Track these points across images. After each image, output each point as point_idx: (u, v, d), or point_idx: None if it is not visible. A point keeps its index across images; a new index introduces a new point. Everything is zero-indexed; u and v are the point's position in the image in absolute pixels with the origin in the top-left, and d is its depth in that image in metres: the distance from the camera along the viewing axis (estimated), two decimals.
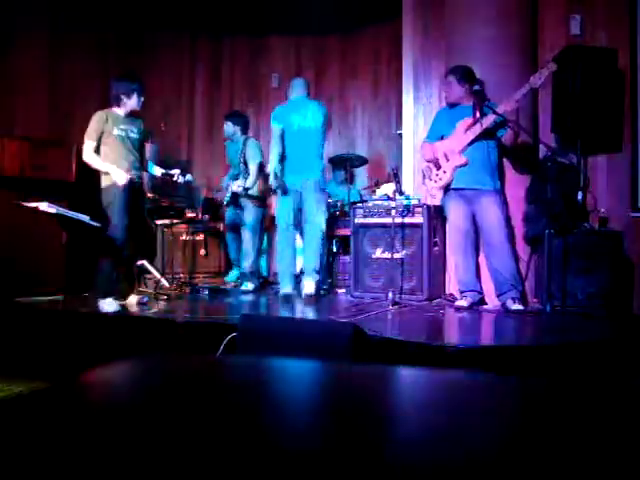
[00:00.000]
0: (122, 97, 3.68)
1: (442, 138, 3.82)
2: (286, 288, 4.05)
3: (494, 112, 3.47)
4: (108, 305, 3.44)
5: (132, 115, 3.76)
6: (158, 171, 4.14)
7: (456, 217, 3.76)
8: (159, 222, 5.22)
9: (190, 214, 5.37)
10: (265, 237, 5.27)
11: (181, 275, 5.11)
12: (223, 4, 6.22)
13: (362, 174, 6.41)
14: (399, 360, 2.44)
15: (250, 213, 4.78)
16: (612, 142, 3.87)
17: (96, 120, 3.61)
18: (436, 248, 4.10)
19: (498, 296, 3.65)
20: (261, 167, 4.77)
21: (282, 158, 4.15)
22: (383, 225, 4.13)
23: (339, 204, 5.05)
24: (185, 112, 6.83)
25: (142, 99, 3.76)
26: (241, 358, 1.64)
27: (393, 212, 3.97)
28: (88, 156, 3.61)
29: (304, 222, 4.16)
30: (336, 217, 4.94)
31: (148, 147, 4.57)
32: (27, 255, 4.19)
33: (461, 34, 4.02)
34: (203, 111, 6.90)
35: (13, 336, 3.35)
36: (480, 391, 0.93)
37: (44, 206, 3.27)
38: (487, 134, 3.60)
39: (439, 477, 0.55)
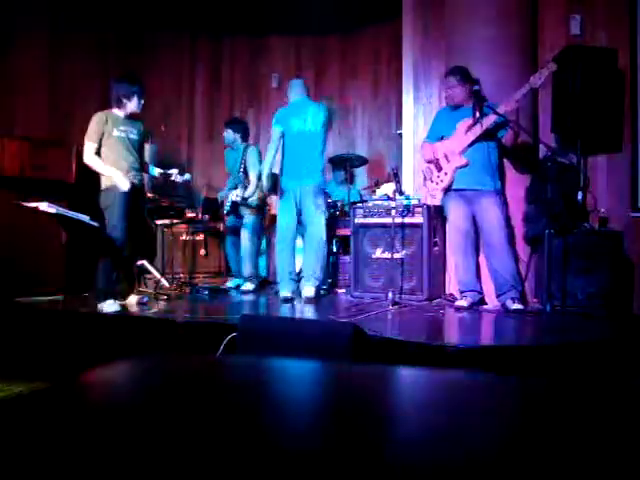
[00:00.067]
0: (122, 99, 3.68)
1: (442, 138, 3.82)
2: (285, 292, 4.03)
3: (494, 112, 3.47)
4: (108, 305, 3.44)
5: (132, 116, 3.76)
6: (156, 171, 4.15)
7: (456, 217, 3.76)
8: (159, 222, 5.22)
9: (190, 214, 5.37)
10: (264, 237, 5.27)
11: (181, 275, 5.11)
12: (223, 4, 6.22)
13: (362, 174, 6.42)
14: (399, 360, 2.44)
15: (249, 218, 4.80)
16: (612, 142, 3.87)
17: (96, 122, 3.60)
18: (436, 248, 4.10)
19: (498, 296, 3.65)
20: (260, 176, 4.77)
21: (281, 160, 4.15)
22: (383, 225, 4.13)
23: (339, 204, 5.05)
24: (185, 112, 6.84)
25: (142, 101, 3.76)
26: (241, 358, 1.64)
27: (393, 212, 3.97)
28: (90, 159, 3.60)
29: (304, 225, 4.16)
30: (336, 217, 4.93)
31: (147, 147, 4.57)
32: (27, 255, 4.19)
33: (461, 34, 4.02)
34: (203, 111, 6.90)
35: (13, 336, 3.35)
36: (480, 391, 0.93)
37: (44, 206, 3.27)
38: (487, 135, 3.59)
39: (439, 477, 0.55)
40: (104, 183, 3.60)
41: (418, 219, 4.03)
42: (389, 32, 6.09)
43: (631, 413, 0.80)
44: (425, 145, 3.94)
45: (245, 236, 4.79)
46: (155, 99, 6.10)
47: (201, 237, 5.38)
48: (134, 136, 3.73)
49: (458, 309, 3.63)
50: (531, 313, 3.48)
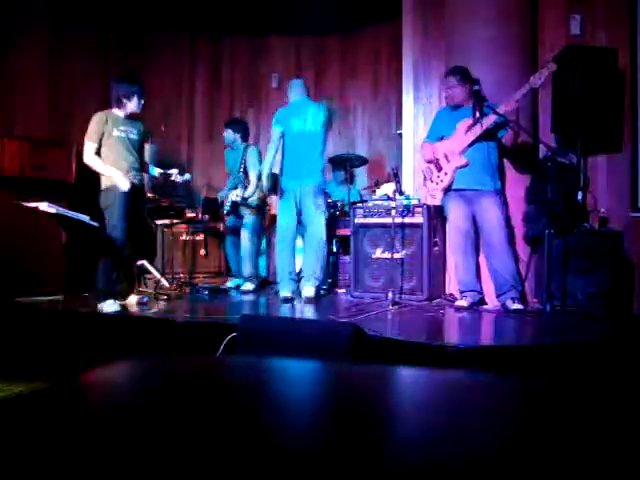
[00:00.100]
0: (122, 99, 3.68)
1: (442, 138, 3.82)
2: (285, 291, 4.03)
3: (494, 112, 3.47)
4: (108, 305, 3.44)
5: (132, 116, 3.76)
6: (156, 171, 4.15)
7: (456, 217, 3.76)
8: (159, 222, 5.22)
9: (190, 214, 5.37)
10: (264, 238, 5.27)
11: (181, 275, 5.11)
12: (223, 4, 6.22)
13: (362, 174, 6.42)
14: (399, 360, 2.44)
15: (249, 218, 4.80)
16: (612, 142, 3.87)
17: (96, 122, 3.60)
18: (436, 248, 4.10)
19: (498, 296, 3.65)
20: (260, 176, 4.77)
21: (281, 160, 4.15)
22: (383, 225, 4.13)
23: (339, 204, 5.05)
24: (185, 112, 6.84)
25: (142, 101, 3.76)
26: (241, 358, 1.64)
27: (393, 212, 3.97)
28: (90, 159, 3.60)
29: (304, 225, 4.16)
30: (336, 217, 4.93)
31: (147, 147, 4.57)
32: (27, 255, 4.19)
33: (461, 34, 4.02)
34: (203, 111, 6.90)
35: (13, 336, 3.35)
36: (480, 391, 0.93)
37: (44, 206, 3.27)
38: (487, 135, 3.59)
39: (439, 477, 0.55)
40: (104, 183, 3.60)
41: (418, 219, 4.03)
42: (389, 32, 6.09)
43: (631, 413, 0.80)
44: (425, 145, 3.94)
45: (245, 236, 4.79)
46: (155, 99, 6.10)
47: (201, 237, 5.38)
48: (134, 136, 3.73)
49: (458, 309, 3.63)
50: (531, 313, 3.48)
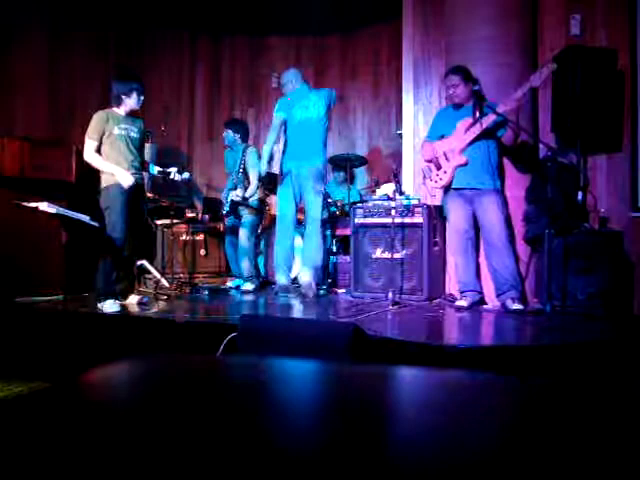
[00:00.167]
0: (122, 96, 3.68)
1: (442, 137, 3.82)
2: (281, 279, 4.08)
3: (494, 112, 3.47)
4: (108, 305, 3.44)
5: (132, 115, 3.77)
6: (156, 169, 4.15)
7: (456, 217, 3.76)
8: (159, 222, 5.22)
9: (190, 214, 5.37)
10: (263, 238, 5.27)
11: (181, 275, 5.11)
12: (223, 4, 6.22)
13: (362, 174, 6.42)
14: (399, 360, 2.44)
15: (248, 217, 4.81)
16: (612, 142, 3.87)
17: (97, 120, 3.61)
18: (436, 248, 4.10)
19: (498, 296, 3.65)
20: (261, 176, 4.77)
21: (283, 149, 4.19)
22: (383, 225, 4.13)
23: (339, 204, 5.05)
24: (185, 112, 6.83)
25: (142, 98, 3.77)
26: (241, 358, 1.64)
27: (393, 212, 3.97)
28: (90, 156, 3.61)
29: (305, 213, 4.20)
30: (336, 217, 4.93)
31: (147, 146, 4.57)
32: (27, 255, 4.19)
33: (461, 33, 4.02)
34: (203, 111, 6.90)
35: (13, 336, 3.35)
36: (480, 391, 0.93)
37: (44, 206, 3.27)
38: (487, 134, 3.60)
39: (439, 477, 0.55)
40: (104, 182, 3.60)
41: (418, 219, 4.03)
42: (389, 32, 6.09)
43: (631, 413, 0.80)
44: (425, 144, 3.94)
45: (243, 235, 4.79)
46: (155, 99, 6.11)
47: (201, 237, 5.38)
48: (135, 134, 3.74)
49: (458, 309, 3.63)
50: (531, 313, 3.47)
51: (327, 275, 4.73)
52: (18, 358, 3.23)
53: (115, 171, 3.56)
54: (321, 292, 4.37)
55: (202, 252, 5.35)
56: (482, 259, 3.78)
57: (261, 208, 4.95)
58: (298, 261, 4.48)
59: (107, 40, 6.25)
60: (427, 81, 4.69)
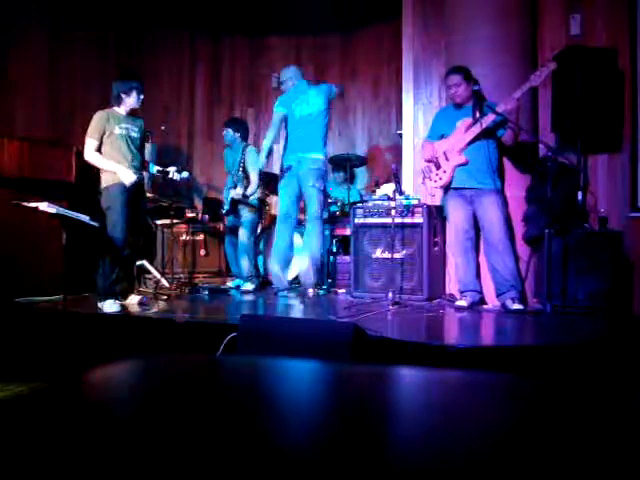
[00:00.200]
0: (122, 96, 3.69)
1: (442, 137, 3.82)
2: (275, 268, 4.11)
3: (494, 111, 3.47)
4: (108, 305, 3.44)
5: (133, 114, 3.77)
6: (155, 169, 4.16)
7: (456, 217, 3.76)
8: (159, 222, 5.22)
9: (190, 214, 5.37)
10: (263, 238, 5.27)
11: (181, 275, 5.11)
12: (223, 4, 6.23)
13: (362, 174, 6.42)
14: (399, 360, 2.44)
15: (248, 216, 4.81)
16: (612, 142, 3.87)
17: (97, 119, 3.62)
18: (436, 248, 4.10)
19: (498, 296, 3.65)
20: (261, 175, 4.77)
21: (284, 144, 4.23)
22: (383, 225, 4.13)
23: (339, 204, 5.05)
24: (185, 112, 6.83)
25: (142, 97, 3.78)
26: (241, 358, 1.64)
27: (393, 212, 3.97)
28: (90, 155, 3.61)
29: (305, 211, 4.24)
30: (336, 217, 4.93)
31: (147, 146, 4.57)
32: (27, 255, 4.19)
33: (461, 33, 4.02)
34: (203, 111, 6.90)
35: (13, 337, 3.35)
36: (480, 391, 0.93)
37: (44, 206, 3.27)
38: (487, 134, 3.60)
39: (439, 477, 0.55)
40: (104, 182, 3.61)
41: (418, 219, 4.03)
42: (389, 32, 6.09)
43: (631, 413, 0.80)
44: (425, 144, 3.94)
45: (243, 233, 4.79)
46: (155, 99, 6.10)
47: (201, 237, 5.38)
48: (135, 134, 3.75)
49: (458, 309, 3.63)
50: (531, 313, 3.48)
51: (327, 275, 4.73)
52: (18, 358, 3.23)
53: (116, 169, 3.56)
54: (321, 292, 4.37)
55: (202, 252, 5.35)
56: (482, 259, 3.78)
57: (261, 207, 4.95)
58: (297, 262, 4.48)
59: (107, 40, 6.25)
60: (427, 81, 4.69)
